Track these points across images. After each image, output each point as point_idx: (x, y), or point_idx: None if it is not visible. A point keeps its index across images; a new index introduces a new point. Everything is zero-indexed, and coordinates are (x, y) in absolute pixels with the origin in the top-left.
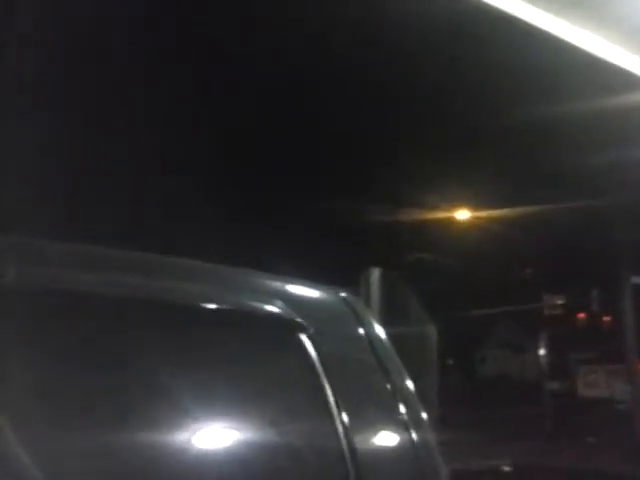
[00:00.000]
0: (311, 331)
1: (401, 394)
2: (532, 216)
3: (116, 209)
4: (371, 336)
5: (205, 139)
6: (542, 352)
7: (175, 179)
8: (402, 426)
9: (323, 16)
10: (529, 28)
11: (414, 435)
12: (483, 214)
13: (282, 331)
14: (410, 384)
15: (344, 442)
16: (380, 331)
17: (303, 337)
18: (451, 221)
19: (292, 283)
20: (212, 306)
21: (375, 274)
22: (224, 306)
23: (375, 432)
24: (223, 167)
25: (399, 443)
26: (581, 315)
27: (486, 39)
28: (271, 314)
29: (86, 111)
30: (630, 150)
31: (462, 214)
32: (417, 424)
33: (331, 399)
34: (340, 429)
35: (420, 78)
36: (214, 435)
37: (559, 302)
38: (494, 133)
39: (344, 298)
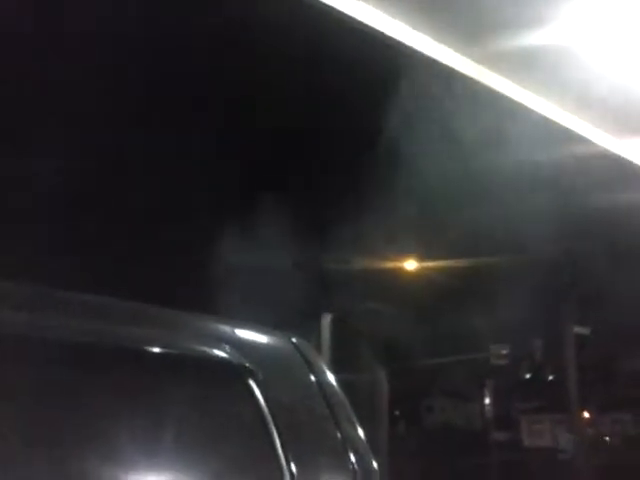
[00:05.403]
0: (259, 377)
1: (352, 443)
2: (478, 267)
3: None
4: (322, 383)
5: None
6: (488, 401)
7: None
8: (352, 476)
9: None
10: (473, 85)
11: None
12: (431, 264)
13: (229, 376)
14: (361, 433)
15: None
16: (331, 378)
17: (251, 383)
18: (399, 271)
19: (241, 327)
20: (157, 350)
21: (326, 320)
22: (170, 350)
23: None
24: (172, 205)
25: None
26: (526, 364)
27: (431, 94)
28: (218, 358)
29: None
30: (574, 204)
31: (410, 264)
32: (368, 474)
33: (279, 448)
34: (288, 479)
35: (370, 130)
36: None
37: (504, 352)
38: (444, 186)
39: (294, 343)
